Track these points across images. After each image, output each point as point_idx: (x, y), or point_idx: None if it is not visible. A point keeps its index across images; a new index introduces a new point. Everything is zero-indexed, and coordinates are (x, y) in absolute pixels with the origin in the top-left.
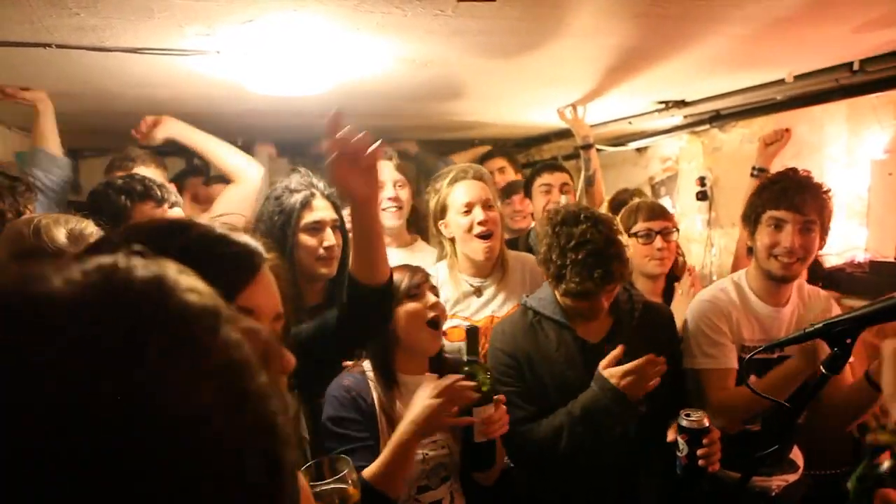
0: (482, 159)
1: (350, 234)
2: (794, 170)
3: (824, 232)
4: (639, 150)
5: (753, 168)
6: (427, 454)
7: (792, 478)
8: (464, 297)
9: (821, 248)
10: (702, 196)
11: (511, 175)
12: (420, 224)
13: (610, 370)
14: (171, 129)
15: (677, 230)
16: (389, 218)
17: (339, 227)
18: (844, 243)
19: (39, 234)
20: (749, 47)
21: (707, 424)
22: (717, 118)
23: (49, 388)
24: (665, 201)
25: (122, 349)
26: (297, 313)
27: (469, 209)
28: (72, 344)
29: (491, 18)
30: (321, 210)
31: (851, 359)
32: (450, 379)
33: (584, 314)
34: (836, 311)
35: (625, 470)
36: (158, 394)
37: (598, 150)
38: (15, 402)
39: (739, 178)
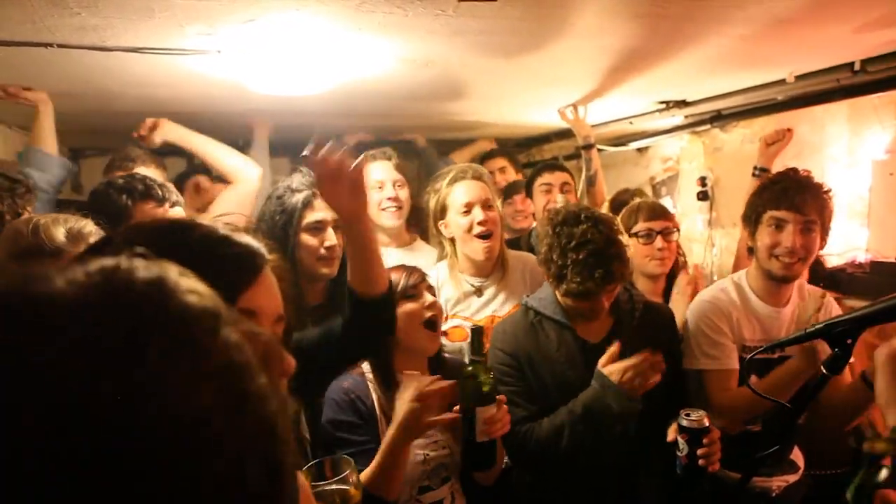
0: (483, 159)
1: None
2: (794, 170)
3: (825, 232)
4: (640, 150)
5: (755, 168)
6: (428, 455)
7: (792, 478)
8: (464, 297)
9: (821, 248)
10: (703, 196)
11: (512, 175)
12: (422, 223)
13: (609, 367)
14: (169, 133)
15: (678, 230)
16: (389, 218)
17: (340, 226)
18: (845, 244)
19: (38, 232)
20: (750, 47)
21: (707, 424)
22: (718, 118)
23: (49, 389)
24: (666, 201)
25: (122, 350)
26: (298, 313)
27: (469, 209)
28: (72, 344)
29: (492, 18)
30: (323, 210)
31: (852, 359)
32: (426, 381)
33: (585, 314)
34: (831, 307)
35: (625, 470)
36: (158, 395)
37: (599, 150)
38: (15, 401)
39: (740, 178)
